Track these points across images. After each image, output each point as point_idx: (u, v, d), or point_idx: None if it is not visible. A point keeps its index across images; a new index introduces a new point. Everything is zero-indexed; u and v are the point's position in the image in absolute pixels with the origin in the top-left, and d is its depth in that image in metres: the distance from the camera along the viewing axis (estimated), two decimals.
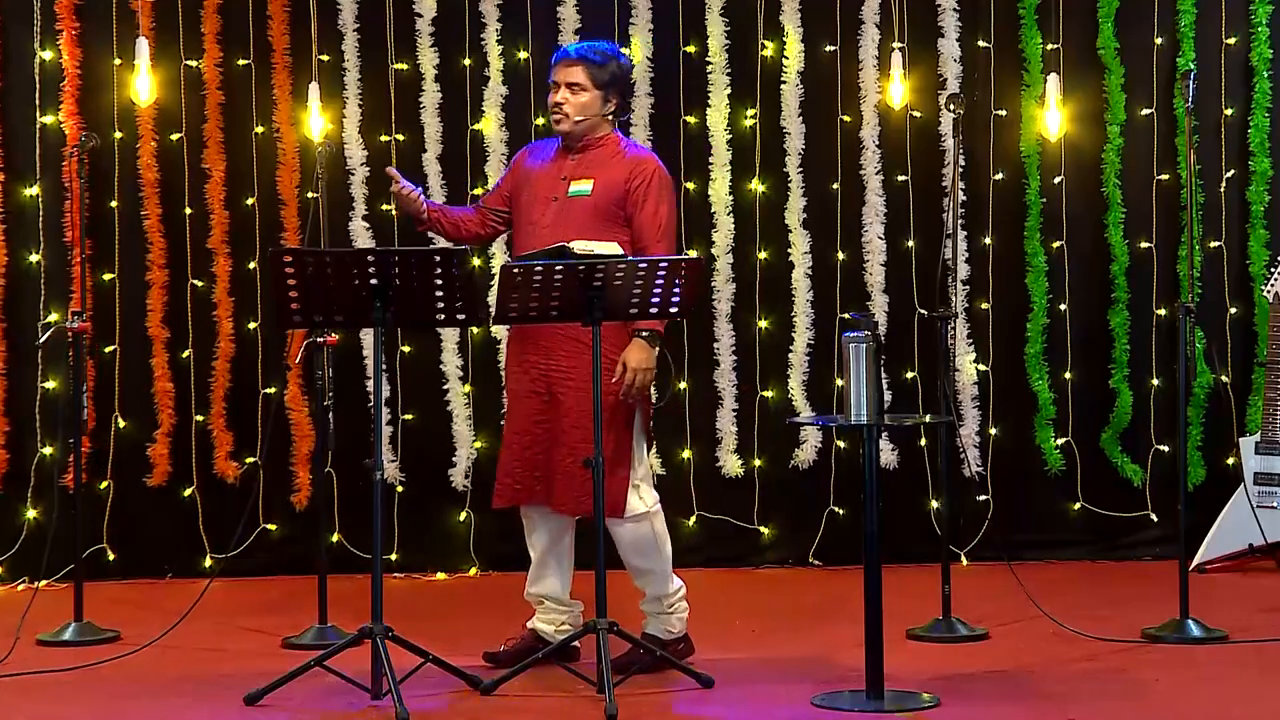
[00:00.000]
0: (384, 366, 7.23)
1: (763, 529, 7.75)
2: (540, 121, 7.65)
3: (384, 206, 7.63)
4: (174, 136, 7.60)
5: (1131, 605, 6.55)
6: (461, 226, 5.83)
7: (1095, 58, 7.73)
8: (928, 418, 7.29)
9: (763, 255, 7.73)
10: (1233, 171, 7.72)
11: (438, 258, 5.12)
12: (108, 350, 7.56)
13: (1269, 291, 7.31)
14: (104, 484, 7.56)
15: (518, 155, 5.89)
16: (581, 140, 5.68)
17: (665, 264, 5.26)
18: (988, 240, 7.76)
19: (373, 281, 5.11)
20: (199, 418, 7.61)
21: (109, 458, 7.56)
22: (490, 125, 7.62)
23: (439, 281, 5.13)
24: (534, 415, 5.59)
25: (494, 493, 5.69)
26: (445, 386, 7.63)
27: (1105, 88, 7.72)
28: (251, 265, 7.63)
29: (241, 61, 7.64)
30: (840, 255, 7.73)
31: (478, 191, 7.46)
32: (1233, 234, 7.73)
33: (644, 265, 5.25)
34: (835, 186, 7.72)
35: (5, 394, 7.56)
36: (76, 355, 6.31)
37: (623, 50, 5.93)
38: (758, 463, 7.73)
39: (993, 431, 7.76)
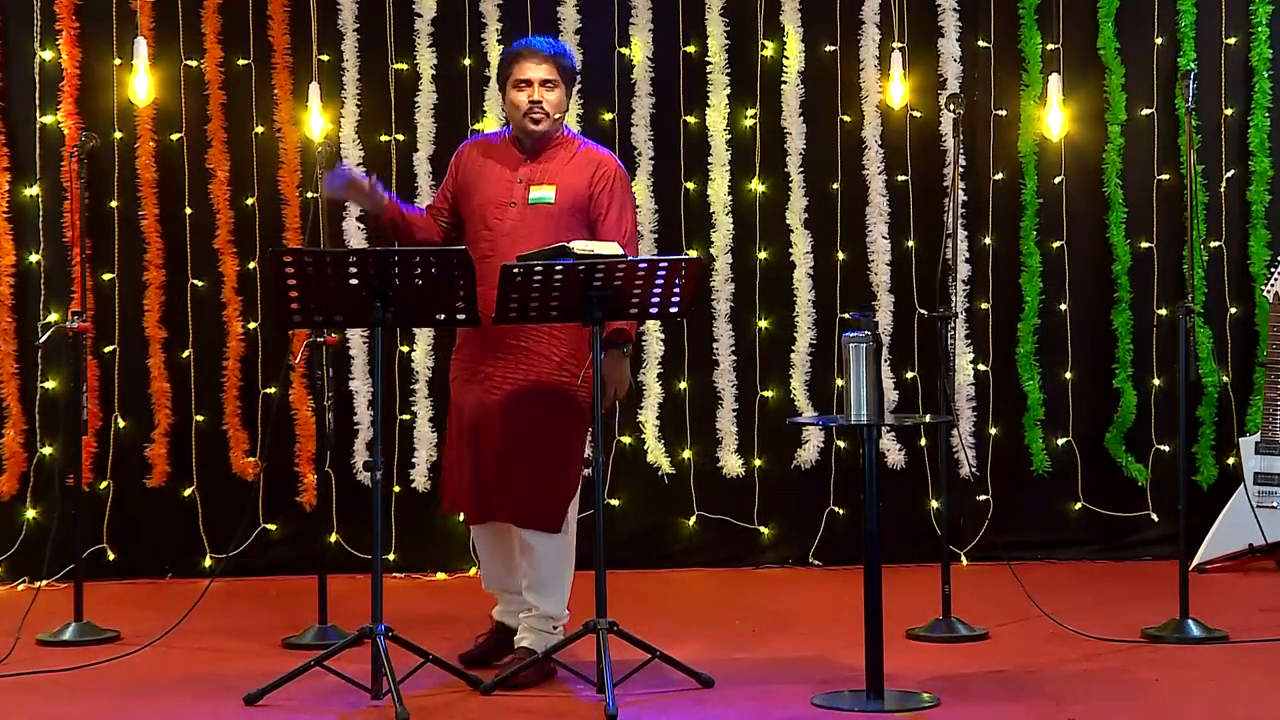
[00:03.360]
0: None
1: (763, 529, 7.75)
2: None
3: None
4: (174, 136, 7.60)
5: (1131, 605, 6.56)
6: (416, 230, 5.63)
7: (1095, 58, 7.73)
8: (928, 418, 7.29)
9: (763, 255, 7.73)
10: (1233, 171, 7.72)
11: (437, 258, 5.11)
12: (107, 350, 7.57)
13: (1269, 291, 7.31)
14: (104, 484, 7.56)
15: (460, 155, 5.70)
16: (542, 140, 5.57)
17: (665, 264, 5.26)
18: (988, 240, 7.76)
19: (372, 282, 5.11)
20: (199, 418, 7.61)
21: (109, 458, 7.56)
22: (490, 125, 7.61)
23: (438, 281, 5.13)
24: (488, 426, 5.47)
25: (443, 495, 5.68)
26: (413, 387, 7.64)
27: (1105, 88, 7.72)
28: (252, 265, 7.64)
29: (241, 61, 7.64)
30: (841, 255, 7.73)
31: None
32: (1233, 234, 7.74)
33: (644, 265, 5.24)
34: (835, 186, 7.73)
35: (20, 393, 7.55)
36: (77, 355, 6.31)
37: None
38: (758, 463, 7.73)
39: (992, 431, 7.77)
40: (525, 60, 5.54)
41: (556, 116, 5.56)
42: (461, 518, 5.68)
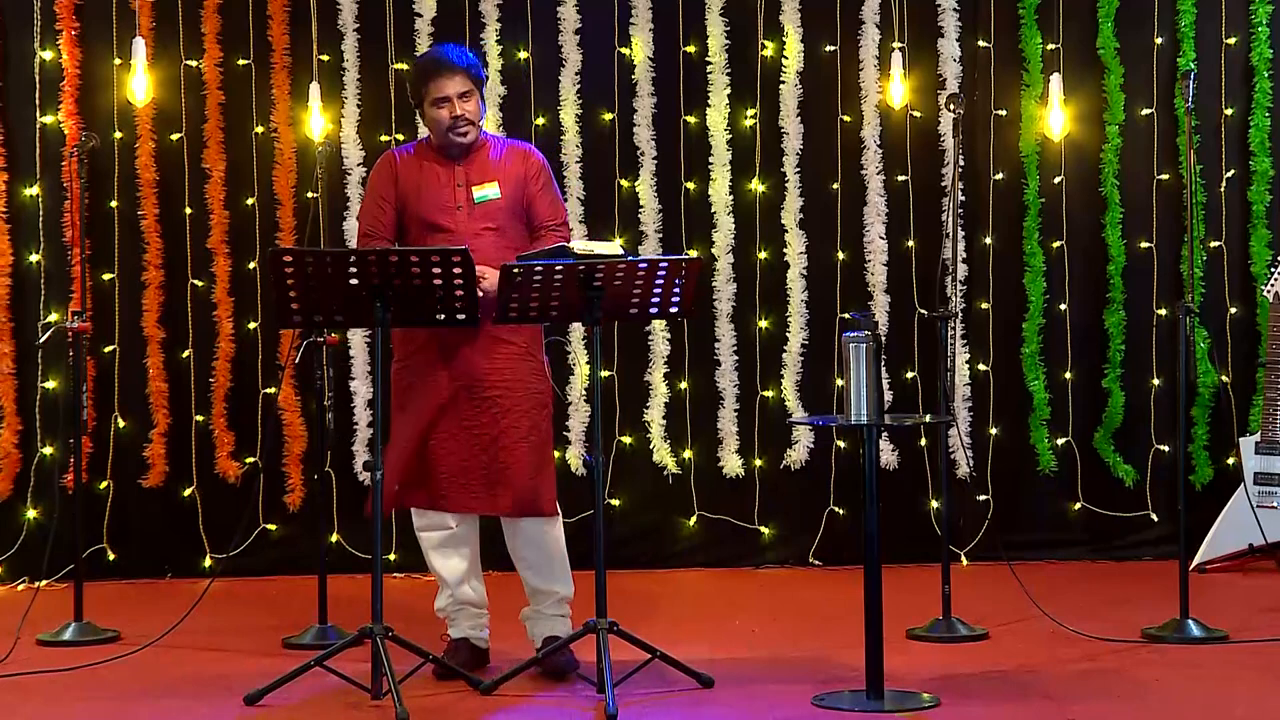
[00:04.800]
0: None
1: (763, 529, 7.75)
2: (541, 121, 7.65)
3: None
4: (174, 136, 7.60)
5: (1131, 605, 6.56)
6: None
7: (1095, 58, 7.73)
8: (928, 418, 7.29)
9: (762, 255, 7.73)
10: (1233, 171, 7.72)
11: (437, 258, 5.12)
12: (107, 350, 7.57)
13: (1269, 291, 7.31)
14: (104, 484, 7.56)
15: (391, 167, 5.64)
16: (470, 145, 5.63)
17: (665, 264, 5.27)
18: (988, 240, 7.76)
19: (373, 281, 5.12)
20: (199, 418, 7.61)
21: (109, 458, 7.56)
22: (490, 125, 7.60)
23: (438, 281, 5.13)
24: (467, 422, 5.50)
25: (412, 493, 5.56)
26: None
27: (1105, 88, 7.72)
28: (251, 265, 7.64)
29: (241, 61, 7.64)
30: (840, 255, 7.73)
31: None
32: (1233, 234, 7.74)
33: (644, 265, 5.25)
34: (835, 186, 7.73)
35: (15, 393, 7.55)
36: (76, 355, 6.31)
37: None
38: (758, 463, 7.73)
39: (992, 431, 7.77)
40: (439, 78, 5.57)
41: (479, 123, 5.63)
42: (446, 521, 5.61)
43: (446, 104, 5.56)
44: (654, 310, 5.37)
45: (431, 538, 5.63)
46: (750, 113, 7.73)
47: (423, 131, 7.58)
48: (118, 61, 7.56)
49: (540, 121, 7.65)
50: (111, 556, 7.57)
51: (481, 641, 5.66)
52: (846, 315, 7.18)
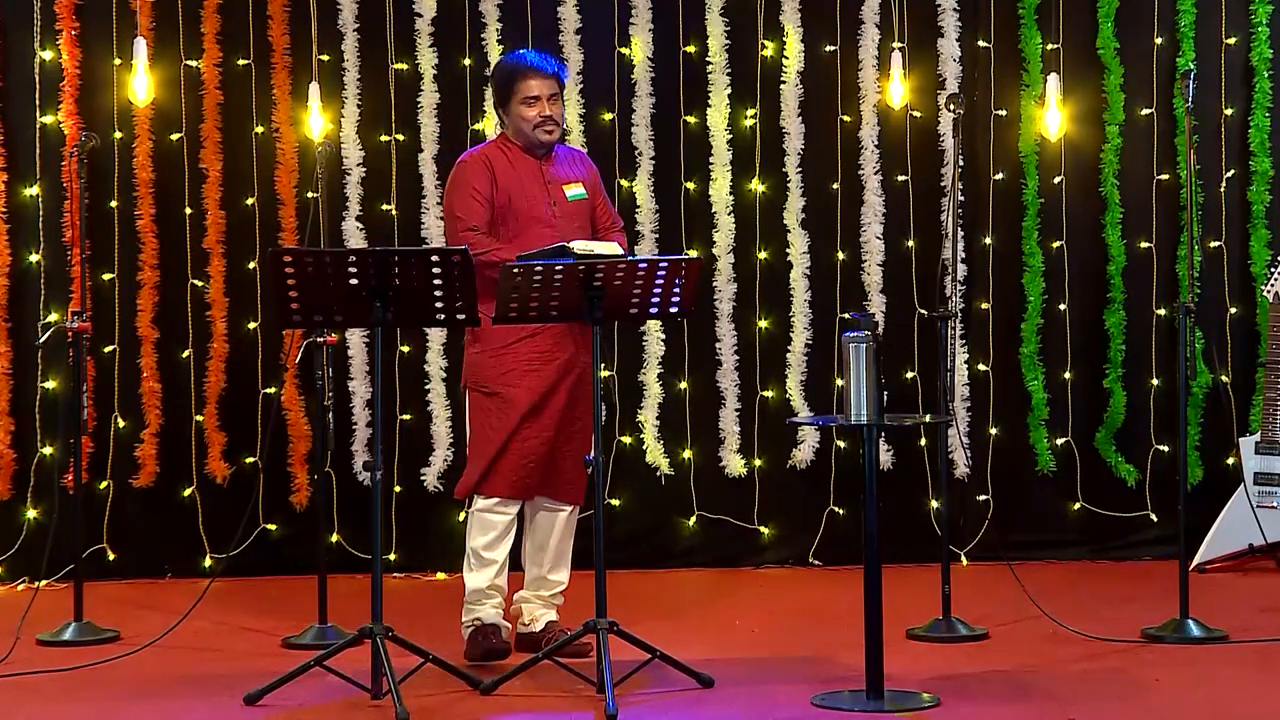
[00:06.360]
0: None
1: (763, 529, 7.75)
2: None
3: (383, 206, 7.64)
4: (174, 137, 7.60)
5: (1131, 605, 6.56)
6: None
7: (1095, 58, 7.73)
8: (927, 418, 7.30)
9: (763, 255, 7.73)
10: (1233, 171, 7.72)
11: (437, 258, 5.12)
12: (107, 350, 7.57)
13: (1269, 291, 7.31)
14: (104, 484, 7.56)
15: (484, 170, 5.78)
16: (552, 146, 5.89)
17: (665, 264, 5.27)
18: (987, 240, 7.76)
19: (372, 281, 5.12)
20: (199, 418, 7.61)
21: (109, 458, 7.56)
22: (490, 125, 7.61)
23: (438, 281, 5.14)
24: (559, 410, 5.74)
25: (496, 482, 5.72)
26: (427, 386, 7.64)
27: (1105, 88, 7.72)
28: (251, 265, 7.64)
29: (241, 61, 7.64)
30: (840, 255, 7.73)
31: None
32: (1233, 234, 7.74)
33: (644, 265, 5.26)
34: (835, 186, 7.73)
35: (10, 394, 7.55)
36: (77, 355, 6.31)
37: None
38: (758, 463, 7.73)
39: (992, 431, 7.77)
40: (530, 78, 5.83)
41: (562, 126, 5.89)
42: (514, 508, 5.79)
43: (536, 103, 5.80)
44: (654, 310, 5.39)
45: (498, 521, 5.76)
46: (750, 113, 7.73)
47: (429, 133, 7.65)
48: (118, 61, 7.56)
49: None
50: (111, 556, 7.56)
51: (506, 628, 5.79)
52: (846, 315, 7.19)
